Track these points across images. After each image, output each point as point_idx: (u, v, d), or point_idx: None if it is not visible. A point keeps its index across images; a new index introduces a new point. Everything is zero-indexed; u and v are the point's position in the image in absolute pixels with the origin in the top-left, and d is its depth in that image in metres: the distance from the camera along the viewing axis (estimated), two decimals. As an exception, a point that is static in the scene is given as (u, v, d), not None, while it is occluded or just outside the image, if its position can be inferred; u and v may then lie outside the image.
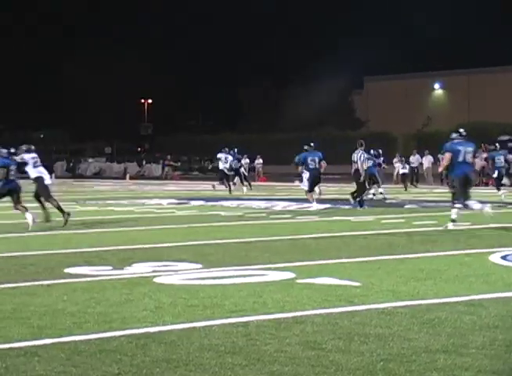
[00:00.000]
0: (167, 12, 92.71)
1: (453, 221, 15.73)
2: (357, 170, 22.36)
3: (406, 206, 23.07)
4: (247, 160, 54.53)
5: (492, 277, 9.52)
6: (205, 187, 38.40)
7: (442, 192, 31.16)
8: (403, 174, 38.06)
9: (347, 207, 22.40)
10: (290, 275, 9.63)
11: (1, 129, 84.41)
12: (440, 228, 15.84)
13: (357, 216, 19.01)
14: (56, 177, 57.92)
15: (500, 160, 30.03)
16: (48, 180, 17.24)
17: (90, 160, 75.16)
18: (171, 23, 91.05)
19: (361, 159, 22.37)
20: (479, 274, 9.73)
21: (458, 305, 7.77)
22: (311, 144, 23.31)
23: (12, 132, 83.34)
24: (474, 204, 15.94)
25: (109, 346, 6.23)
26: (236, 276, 9.56)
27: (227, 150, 35.05)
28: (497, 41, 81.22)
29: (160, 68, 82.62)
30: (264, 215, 19.87)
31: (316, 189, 23.43)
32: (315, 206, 21.68)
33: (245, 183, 34.61)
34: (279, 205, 23.34)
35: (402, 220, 17.85)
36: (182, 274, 9.83)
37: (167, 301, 8.02)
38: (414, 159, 44.16)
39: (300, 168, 22.89)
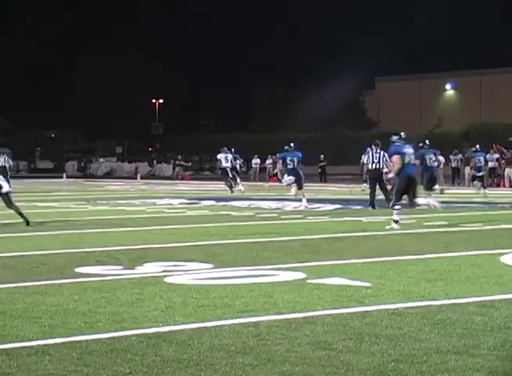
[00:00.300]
0: (167, 12, 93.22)
1: (396, 222, 16.23)
2: (375, 170, 22.28)
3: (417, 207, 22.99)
4: (258, 161, 54.57)
5: (504, 278, 9.50)
6: (215, 187, 38.40)
7: (454, 193, 31.11)
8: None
9: (357, 207, 22.39)
10: (300, 275, 9.63)
11: (10, 128, 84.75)
12: (452, 229, 15.82)
13: (368, 217, 18.99)
14: (67, 177, 58.11)
15: (480, 160, 31.33)
16: (5, 188, 17.16)
17: (101, 159, 75.32)
18: (171, 23, 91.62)
19: (384, 159, 22.41)
20: (490, 275, 9.71)
21: (469, 306, 7.76)
22: (291, 145, 24.29)
23: (22, 131, 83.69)
24: (421, 200, 16.96)
25: (120, 346, 6.25)
26: (247, 276, 9.56)
27: (225, 149, 35.36)
28: (497, 41, 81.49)
29: (168, 68, 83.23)
30: (275, 215, 19.87)
31: (293, 190, 23.78)
32: (293, 191, 23.11)
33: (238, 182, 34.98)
34: (290, 205, 23.31)
35: (413, 221, 17.82)
36: (193, 274, 9.84)
37: (178, 301, 8.03)
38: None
39: (282, 163, 25.34)
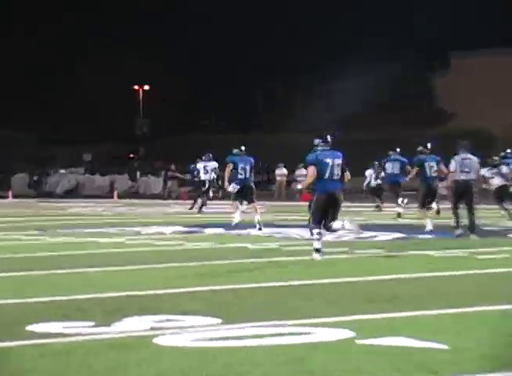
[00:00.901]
0: (167, 12, 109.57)
1: (318, 250, 17.58)
2: (463, 181, 22.52)
3: (511, 235, 23.01)
4: (284, 171, 54.73)
5: None
6: (225, 208, 38.45)
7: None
8: (377, 186, 37.68)
9: (426, 236, 22.35)
10: (346, 333, 9.62)
11: None
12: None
13: (440, 250, 18.95)
14: (14, 196, 58.30)
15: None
16: None
17: (62, 171, 75.46)
18: (171, 23, 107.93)
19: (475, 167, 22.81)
20: None
21: None
22: (242, 148, 26.33)
23: None
24: (336, 224, 17.89)
25: None
26: (269, 336, 9.56)
27: (209, 156, 36.95)
28: (497, 41, 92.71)
29: (168, 68, 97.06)
30: (307, 247, 19.85)
31: (242, 206, 26.75)
32: (236, 217, 25.98)
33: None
34: (328, 235, 23.31)
35: (507, 255, 17.79)
36: (194, 332, 9.85)
37: (173, 370, 8.04)
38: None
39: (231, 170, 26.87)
